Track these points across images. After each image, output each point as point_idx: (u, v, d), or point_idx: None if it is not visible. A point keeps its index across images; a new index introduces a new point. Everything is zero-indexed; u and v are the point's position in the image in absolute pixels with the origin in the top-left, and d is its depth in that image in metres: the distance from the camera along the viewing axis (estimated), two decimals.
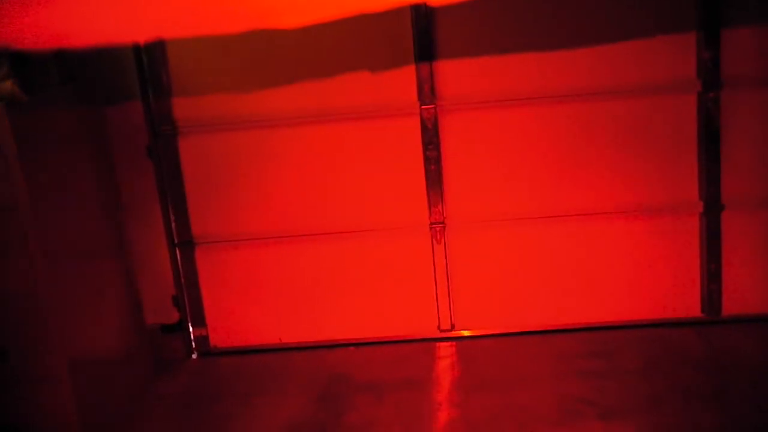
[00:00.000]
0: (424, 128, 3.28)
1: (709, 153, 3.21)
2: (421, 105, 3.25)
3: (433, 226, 3.38)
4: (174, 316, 3.50)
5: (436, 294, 3.44)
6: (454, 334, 3.49)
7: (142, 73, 3.29)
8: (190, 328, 3.55)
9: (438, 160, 3.30)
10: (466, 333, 3.49)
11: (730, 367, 2.99)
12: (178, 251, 3.48)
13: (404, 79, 3.24)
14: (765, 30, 3.11)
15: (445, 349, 3.42)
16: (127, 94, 3.28)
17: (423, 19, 3.15)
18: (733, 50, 3.11)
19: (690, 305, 3.37)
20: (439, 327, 3.48)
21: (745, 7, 3.08)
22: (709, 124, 3.18)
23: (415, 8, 3.11)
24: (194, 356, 3.58)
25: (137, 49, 3.24)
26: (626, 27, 3.14)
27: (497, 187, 3.34)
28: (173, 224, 3.45)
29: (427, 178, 3.33)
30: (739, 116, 3.18)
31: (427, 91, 3.24)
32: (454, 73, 3.23)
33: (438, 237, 3.38)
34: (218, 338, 3.57)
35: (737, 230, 3.28)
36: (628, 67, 3.18)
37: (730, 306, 3.34)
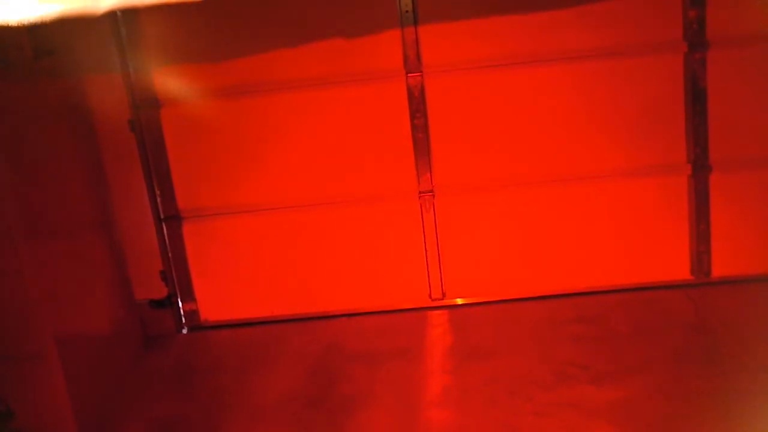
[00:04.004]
0: (410, 96, 3.24)
1: (695, 115, 3.20)
2: (407, 72, 3.21)
3: (422, 194, 3.35)
4: (163, 291, 3.47)
5: (427, 263, 3.43)
6: (445, 302, 3.48)
7: (121, 45, 3.21)
8: (180, 303, 3.53)
9: (425, 128, 3.27)
10: (457, 301, 3.49)
11: (719, 329, 3.02)
12: (164, 225, 3.43)
13: (389, 46, 3.18)
14: None
15: (436, 318, 3.42)
16: (107, 67, 3.21)
17: None
18: (719, 9, 3.08)
19: (680, 268, 3.38)
20: (430, 296, 3.48)
21: None
22: (695, 86, 3.16)
23: None
24: (184, 331, 3.56)
25: (114, 21, 3.17)
26: None
27: (486, 154, 3.32)
28: (158, 198, 3.40)
29: (415, 147, 3.30)
30: (726, 77, 3.16)
31: (413, 58, 3.19)
32: (440, 39, 3.18)
33: (427, 205, 3.36)
34: (208, 312, 3.55)
35: (725, 192, 3.28)
36: (615, 28, 3.14)
37: (719, 268, 3.35)
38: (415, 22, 3.15)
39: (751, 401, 2.49)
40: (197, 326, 3.56)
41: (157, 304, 3.47)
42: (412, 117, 3.26)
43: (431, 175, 3.33)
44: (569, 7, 3.12)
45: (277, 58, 3.21)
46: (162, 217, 3.42)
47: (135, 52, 3.23)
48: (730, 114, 3.21)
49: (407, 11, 3.14)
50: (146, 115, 3.29)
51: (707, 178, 3.27)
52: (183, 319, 3.55)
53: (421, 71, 3.21)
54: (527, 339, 3.10)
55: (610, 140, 3.27)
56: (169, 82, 3.26)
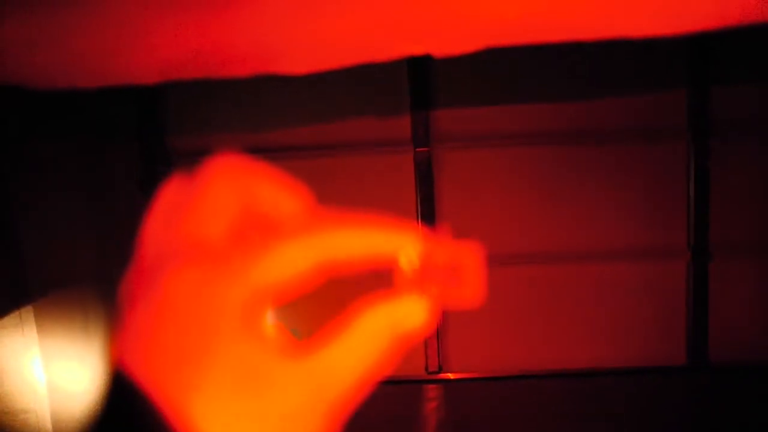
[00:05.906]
0: (417, 170, 3.32)
1: (697, 202, 3.25)
2: (415, 147, 3.30)
3: None
4: None
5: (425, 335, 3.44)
6: (441, 376, 3.48)
7: (140, 109, 3.32)
8: None
9: (431, 201, 3.33)
10: (453, 376, 3.48)
11: (713, 415, 3.00)
12: None
13: (399, 123, 3.29)
14: (753, 86, 3.18)
15: (432, 391, 3.40)
16: (125, 129, 3.31)
17: (419, 69, 3.22)
18: (722, 101, 3.17)
19: (675, 353, 3.38)
20: (426, 369, 3.48)
21: (734, 66, 3.16)
22: (698, 173, 3.23)
23: (412, 59, 3.17)
24: None
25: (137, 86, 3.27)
26: (618, 80, 3.20)
27: (487, 229, 3.37)
28: None
29: (419, 220, 3.36)
30: (729, 165, 3.23)
31: (421, 134, 3.28)
32: (449, 117, 3.28)
33: None
34: None
35: (724, 278, 3.31)
36: (621, 114, 3.23)
37: (716, 354, 3.35)
38: (426, 105, 3.26)
39: None
40: None
41: None
42: (418, 190, 3.33)
43: None
44: (577, 99, 3.22)
45: (293, 130, 3.31)
46: None
47: (152, 116, 3.33)
48: (732, 202, 3.26)
49: (418, 92, 3.25)
50: (161, 177, 3.37)
51: (706, 265, 3.30)
52: None
53: (429, 147, 3.29)
54: (520, 416, 3.09)
55: (612, 223, 3.33)
56: (185, 145, 3.35)
